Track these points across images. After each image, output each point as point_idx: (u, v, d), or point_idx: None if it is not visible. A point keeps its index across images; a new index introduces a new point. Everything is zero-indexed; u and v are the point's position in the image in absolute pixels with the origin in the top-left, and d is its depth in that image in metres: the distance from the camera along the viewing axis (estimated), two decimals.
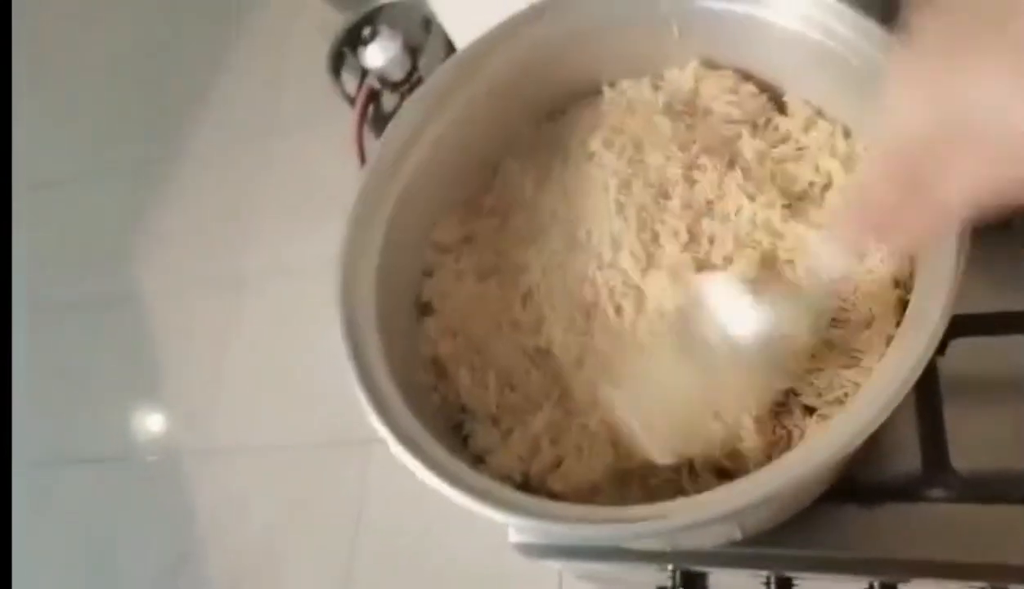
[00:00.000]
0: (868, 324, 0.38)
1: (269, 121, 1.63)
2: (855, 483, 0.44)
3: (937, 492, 0.43)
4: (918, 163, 0.28)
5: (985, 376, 0.46)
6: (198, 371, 1.47)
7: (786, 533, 0.44)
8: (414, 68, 1.01)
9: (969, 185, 0.28)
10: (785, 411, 0.38)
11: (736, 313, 0.36)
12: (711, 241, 0.41)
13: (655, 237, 0.42)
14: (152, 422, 1.50)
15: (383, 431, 0.36)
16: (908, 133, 0.28)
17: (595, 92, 0.48)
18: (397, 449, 0.36)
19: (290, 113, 1.60)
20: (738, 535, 0.44)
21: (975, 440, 0.44)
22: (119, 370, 1.54)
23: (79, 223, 1.73)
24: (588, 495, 0.38)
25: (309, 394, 1.34)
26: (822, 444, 0.33)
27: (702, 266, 0.40)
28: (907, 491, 0.44)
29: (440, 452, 0.36)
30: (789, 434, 0.38)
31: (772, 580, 0.49)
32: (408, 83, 1.01)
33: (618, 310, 0.41)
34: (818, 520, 0.44)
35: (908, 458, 0.44)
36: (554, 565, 0.54)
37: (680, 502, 0.33)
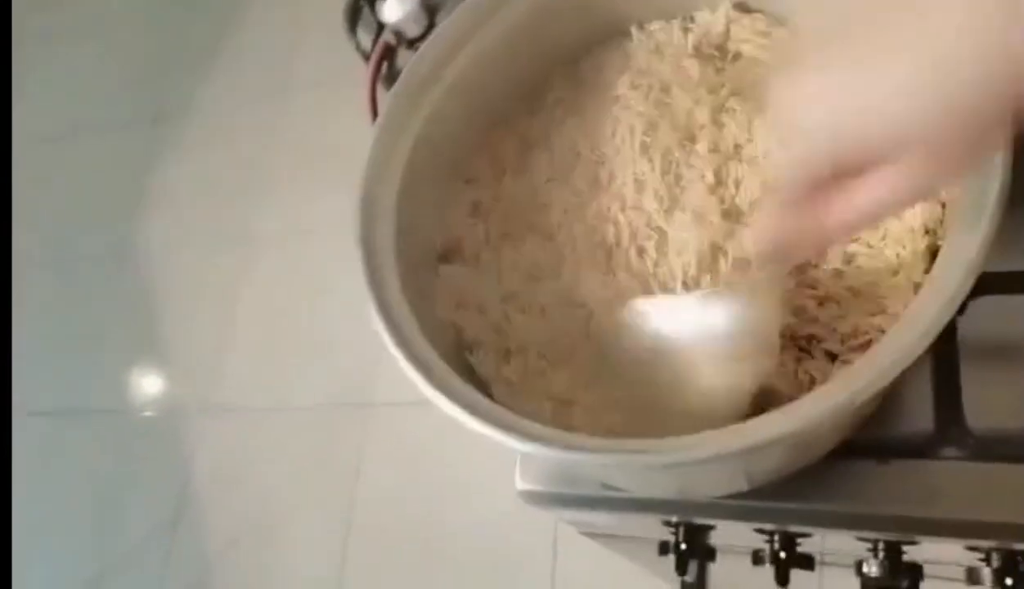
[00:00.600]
0: (895, 271, 0.37)
1: (283, 78, 1.62)
2: (868, 439, 0.44)
3: (950, 450, 0.43)
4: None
5: (1003, 336, 0.45)
6: (204, 329, 1.47)
7: (794, 486, 0.44)
8: (431, 25, 0.99)
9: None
10: (807, 357, 0.38)
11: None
12: (737, 185, 0.40)
13: (679, 180, 0.41)
14: (157, 377, 1.50)
15: (404, 364, 0.36)
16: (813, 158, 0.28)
17: (622, 34, 0.47)
18: (416, 378, 0.35)
19: (305, 70, 1.59)
20: (744, 485, 0.44)
21: (990, 399, 0.43)
22: (126, 324, 1.54)
23: (88, 176, 1.73)
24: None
25: (313, 356, 1.34)
26: (836, 389, 0.33)
27: (728, 210, 0.40)
28: (920, 448, 0.44)
29: (457, 382, 0.36)
30: (812, 380, 0.38)
31: (776, 537, 0.49)
32: (424, 40, 1.00)
33: (640, 252, 0.41)
34: (828, 475, 0.44)
35: (922, 415, 0.44)
36: (562, 515, 0.54)
37: (697, 437, 0.33)
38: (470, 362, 0.42)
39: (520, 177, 0.46)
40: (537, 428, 0.34)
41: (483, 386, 0.42)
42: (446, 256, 0.46)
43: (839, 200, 0.29)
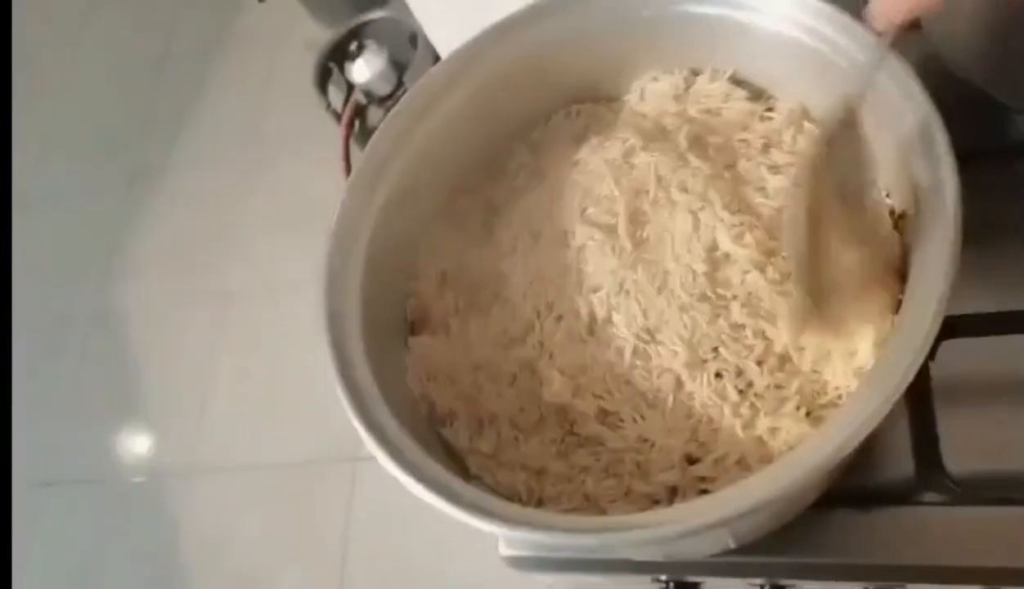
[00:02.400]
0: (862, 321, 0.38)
1: (256, 137, 1.62)
2: (849, 488, 0.44)
3: (931, 495, 0.43)
4: None
5: (976, 377, 0.45)
6: (183, 390, 1.45)
7: (780, 540, 0.44)
8: (400, 83, 1.01)
9: None
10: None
11: None
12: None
13: (644, 242, 0.42)
14: (137, 442, 1.48)
15: (373, 446, 0.36)
16: None
17: (578, 101, 0.48)
18: (387, 463, 0.35)
19: (277, 129, 1.60)
20: (731, 544, 0.44)
21: (968, 442, 0.43)
22: (104, 389, 1.52)
23: (62, 241, 1.72)
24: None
25: (296, 412, 1.32)
26: (815, 449, 0.33)
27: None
28: (901, 495, 0.44)
29: (430, 465, 0.35)
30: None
31: (767, 588, 0.49)
32: (394, 98, 1.01)
33: (607, 318, 0.41)
34: (812, 526, 0.44)
35: (901, 462, 0.44)
36: (545, 579, 0.53)
37: (674, 509, 0.33)
38: (444, 436, 0.42)
39: (485, 246, 0.46)
40: (510, 509, 0.34)
41: (458, 459, 0.42)
42: (415, 327, 0.46)
43: None
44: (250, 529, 1.29)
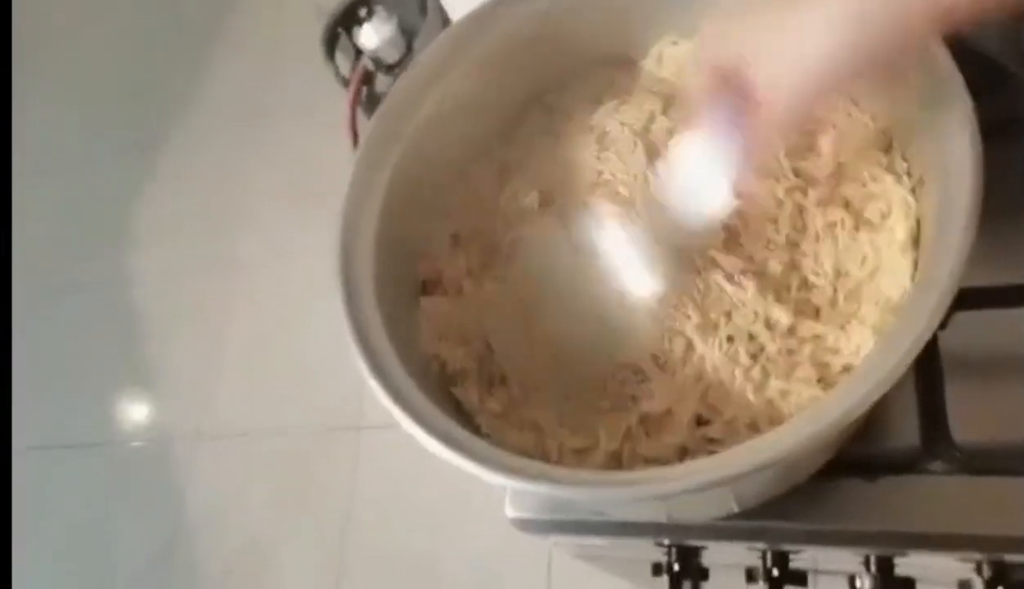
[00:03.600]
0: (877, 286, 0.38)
1: (263, 105, 1.62)
2: (854, 456, 0.44)
3: (937, 465, 0.43)
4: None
5: (985, 349, 0.45)
6: (191, 356, 1.46)
7: (783, 506, 0.44)
8: (409, 50, 1.00)
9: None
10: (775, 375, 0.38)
11: None
12: None
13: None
14: (145, 407, 1.49)
15: (388, 403, 0.36)
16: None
17: (595, 65, 0.48)
18: (402, 419, 0.35)
19: (285, 97, 1.59)
20: (735, 507, 0.44)
21: (975, 413, 0.44)
22: (113, 355, 1.53)
23: (72, 207, 1.72)
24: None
25: (302, 380, 1.33)
26: (823, 412, 0.33)
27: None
28: (907, 464, 0.44)
29: (443, 421, 0.36)
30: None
31: (768, 554, 0.49)
32: (402, 65, 1.00)
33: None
34: (816, 493, 0.44)
35: (908, 431, 0.44)
36: (549, 540, 0.54)
37: (679, 467, 0.33)
38: (455, 396, 0.42)
39: (498, 208, 0.46)
40: (520, 462, 0.34)
41: (469, 419, 0.42)
42: (427, 288, 0.46)
43: None
44: (254, 495, 1.30)
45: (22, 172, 1.79)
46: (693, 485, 0.31)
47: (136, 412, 1.49)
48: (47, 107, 1.88)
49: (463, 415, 0.42)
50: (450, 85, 0.46)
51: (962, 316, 0.41)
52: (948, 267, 0.33)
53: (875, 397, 0.31)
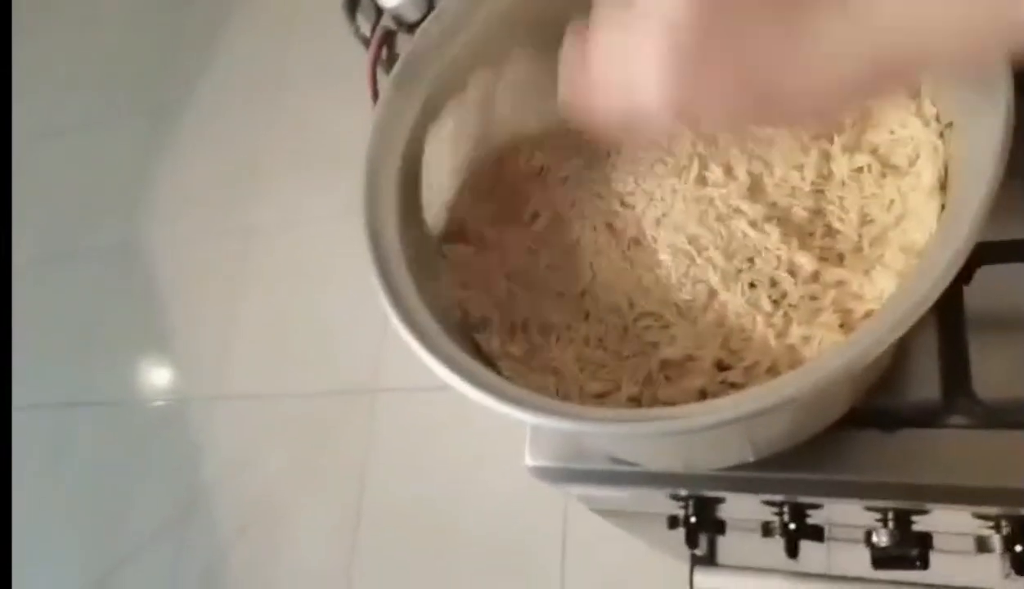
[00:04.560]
0: (904, 229, 0.38)
1: (282, 71, 1.61)
2: (873, 408, 0.44)
3: (958, 418, 0.43)
4: None
5: (1009, 304, 0.45)
6: (208, 320, 1.47)
7: (802, 457, 0.44)
8: (430, 8, 0.99)
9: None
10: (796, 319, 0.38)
11: None
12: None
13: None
14: (163, 368, 1.51)
15: (410, 340, 0.36)
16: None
17: None
18: (422, 352, 0.35)
19: (302, 62, 1.59)
20: (751, 456, 0.44)
21: (997, 368, 0.43)
22: (130, 318, 1.55)
23: (89, 171, 1.73)
24: None
25: (318, 343, 1.34)
26: (840, 352, 0.33)
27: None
28: (928, 417, 0.44)
29: (467, 360, 0.36)
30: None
31: (786, 508, 0.49)
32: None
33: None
34: (835, 445, 0.44)
35: (929, 384, 0.44)
36: (567, 492, 0.54)
37: (698, 405, 0.33)
38: (477, 342, 0.43)
39: (521, 155, 0.46)
40: (543, 400, 0.34)
41: (491, 364, 0.42)
42: (450, 236, 0.46)
43: None
44: (271, 456, 1.32)
45: (34, 135, 1.80)
46: (713, 421, 0.31)
47: (153, 373, 1.51)
48: (61, 69, 1.89)
49: (484, 361, 0.43)
50: (471, 35, 0.46)
51: (985, 271, 0.41)
52: (972, 213, 0.32)
53: (890, 340, 0.31)
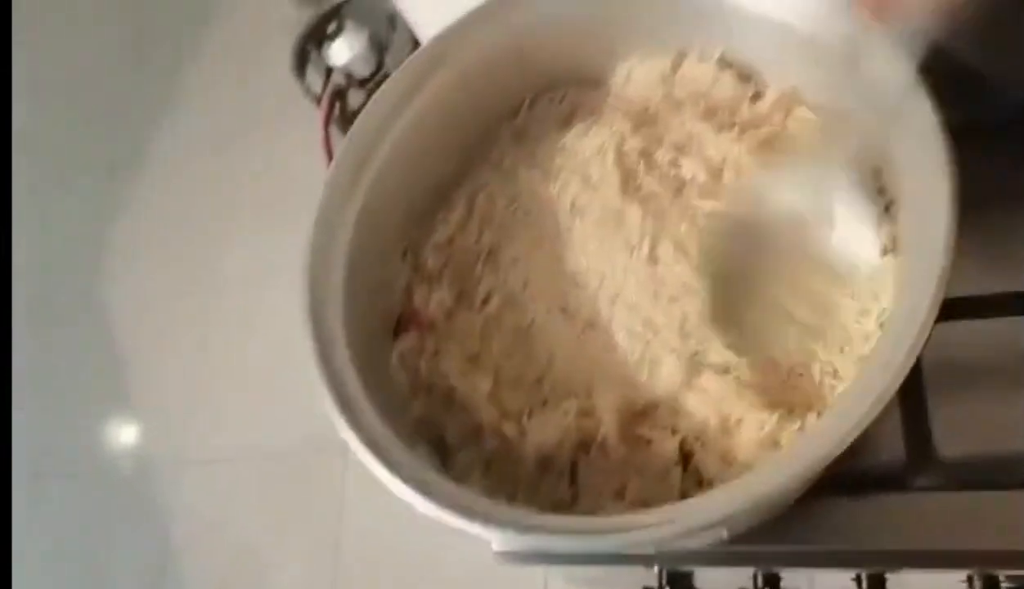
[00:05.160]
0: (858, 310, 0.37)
1: (237, 123, 1.60)
2: (840, 475, 0.43)
3: (922, 480, 0.43)
4: None
5: (966, 360, 0.45)
6: (174, 379, 1.44)
7: (772, 529, 0.43)
8: (380, 64, 0.98)
9: None
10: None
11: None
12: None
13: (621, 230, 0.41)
14: (129, 433, 1.47)
15: (357, 447, 0.35)
16: None
17: (562, 85, 0.47)
18: (374, 466, 0.34)
19: (260, 114, 1.58)
20: (724, 536, 0.44)
21: (960, 426, 0.43)
22: (94, 379, 1.51)
23: (46, 231, 1.70)
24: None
25: (287, 399, 1.31)
26: (815, 442, 0.32)
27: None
28: (893, 481, 0.43)
29: (419, 468, 0.35)
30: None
31: (759, 576, 0.49)
32: (374, 80, 0.99)
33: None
34: (804, 514, 0.44)
35: (892, 447, 0.44)
36: (539, 571, 0.53)
37: (667, 509, 0.32)
38: (438, 433, 0.42)
39: (468, 236, 0.45)
40: (502, 511, 0.33)
41: (449, 455, 0.41)
42: (402, 323, 0.45)
43: None
44: (244, 517, 1.29)
45: None
46: (683, 530, 0.31)
47: (119, 439, 1.48)
48: (20, 126, 1.86)
49: (442, 452, 0.41)
50: (418, 110, 0.45)
51: (940, 328, 0.41)
52: (928, 294, 0.32)
53: (865, 424, 0.31)
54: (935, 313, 0.32)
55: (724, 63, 0.43)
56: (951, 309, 0.40)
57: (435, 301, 0.44)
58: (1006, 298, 0.43)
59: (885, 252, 0.37)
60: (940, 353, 0.41)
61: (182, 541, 1.32)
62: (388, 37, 0.99)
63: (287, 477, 1.28)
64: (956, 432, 0.43)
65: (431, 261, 0.45)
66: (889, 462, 0.44)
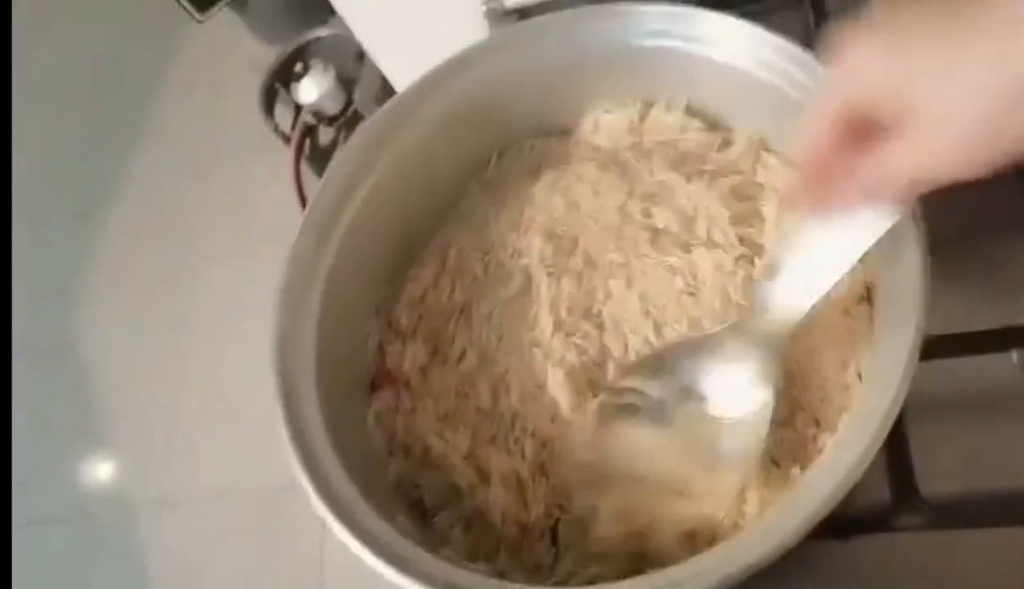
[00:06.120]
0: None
1: (205, 163, 1.59)
2: (828, 517, 0.43)
3: (907, 520, 0.43)
4: (861, 113, 0.28)
5: (948, 397, 0.45)
6: (148, 420, 1.42)
7: (759, 576, 0.43)
8: (349, 101, 0.98)
9: (897, 166, 0.27)
10: None
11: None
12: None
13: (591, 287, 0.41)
14: (104, 477, 1.44)
15: (330, 520, 0.34)
16: (858, 79, 0.28)
17: (530, 136, 0.47)
18: (350, 542, 0.34)
19: (230, 150, 1.56)
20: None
21: (942, 463, 0.43)
22: (64, 424, 1.48)
23: (17, 272, 1.67)
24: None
25: (264, 436, 1.28)
26: (806, 500, 0.32)
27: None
28: (879, 521, 0.43)
29: (397, 540, 0.34)
30: None
31: None
32: (344, 116, 0.98)
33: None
34: (791, 558, 0.43)
35: (876, 488, 0.43)
36: None
37: (657, 575, 0.32)
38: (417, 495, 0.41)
39: (441, 292, 0.44)
40: (480, 583, 0.32)
41: (431, 514, 0.41)
42: (376, 382, 0.44)
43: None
44: (225, 560, 1.26)
45: None
46: None
47: (95, 483, 1.44)
48: None
49: (421, 516, 0.41)
50: (386, 165, 0.44)
51: (922, 365, 0.41)
52: (906, 344, 0.32)
53: (849, 485, 0.32)
54: (914, 367, 0.32)
55: (692, 111, 0.43)
56: (931, 347, 0.40)
57: (409, 358, 0.43)
58: (987, 335, 0.43)
59: (860, 300, 0.37)
60: (920, 389, 0.42)
61: (161, 581, 1.29)
62: (356, 73, 0.99)
63: (267, 513, 1.26)
64: (939, 470, 0.43)
65: (404, 318, 0.44)
66: (875, 502, 0.43)
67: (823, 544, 0.43)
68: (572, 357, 0.39)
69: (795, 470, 0.36)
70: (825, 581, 0.43)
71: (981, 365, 0.43)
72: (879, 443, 0.31)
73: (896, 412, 0.32)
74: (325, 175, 0.45)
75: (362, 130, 0.45)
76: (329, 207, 0.43)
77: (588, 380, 0.39)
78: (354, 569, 1.23)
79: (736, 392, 0.35)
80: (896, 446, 0.43)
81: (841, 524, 0.43)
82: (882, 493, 0.43)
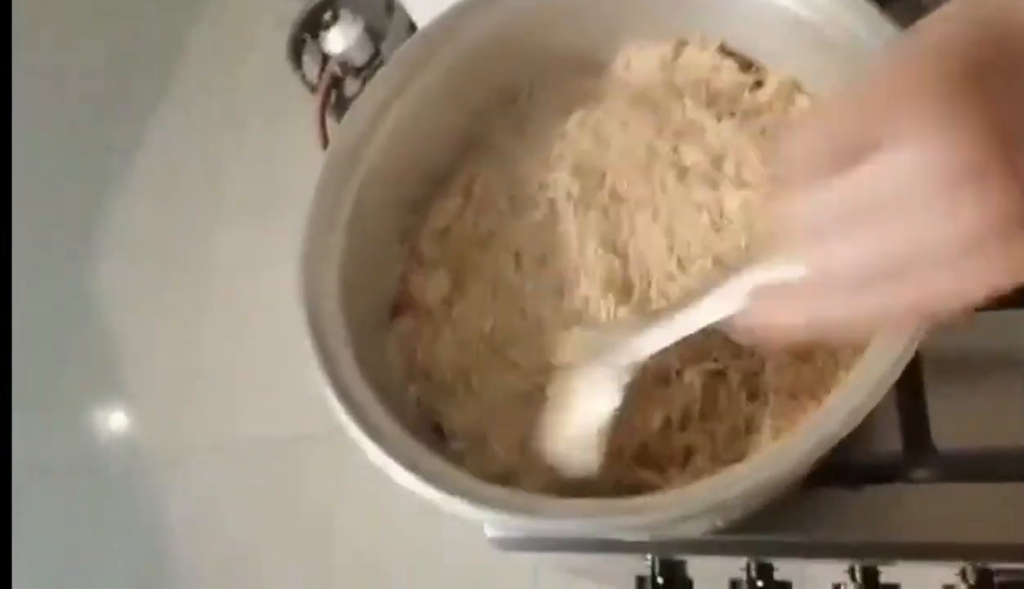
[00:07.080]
0: None
1: (231, 114, 1.59)
2: (836, 465, 0.43)
3: (919, 473, 0.43)
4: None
5: (965, 352, 0.45)
6: (165, 371, 1.43)
7: (768, 519, 0.43)
8: (377, 52, 0.98)
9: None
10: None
11: None
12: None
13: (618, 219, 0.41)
14: (119, 428, 1.46)
15: (354, 431, 0.35)
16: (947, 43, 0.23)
17: (561, 72, 0.47)
18: (372, 450, 0.34)
19: (255, 101, 1.57)
20: (719, 524, 0.44)
21: (957, 418, 0.43)
22: (82, 374, 1.50)
23: (35, 225, 1.68)
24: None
25: (280, 390, 1.31)
26: (806, 435, 0.32)
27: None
28: (889, 472, 0.43)
29: (414, 449, 0.35)
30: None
31: (752, 566, 0.48)
32: (371, 67, 0.98)
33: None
34: (800, 505, 0.44)
35: (890, 439, 0.44)
36: (532, 558, 0.53)
37: (664, 495, 0.32)
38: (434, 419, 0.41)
39: (465, 223, 0.45)
40: (493, 492, 0.33)
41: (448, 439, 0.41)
42: (398, 309, 0.44)
43: None
44: (238, 513, 1.28)
45: None
46: (679, 515, 0.31)
47: (112, 433, 1.47)
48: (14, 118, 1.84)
49: (440, 436, 0.41)
50: (415, 96, 0.45)
51: None
52: None
53: (861, 416, 0.32)
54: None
55: (725, 51, 0.43)
56: None
57: (432, 288, 0.43)
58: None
59: None
60: (937, 344, 0.42)
61: (174, 537, 1.31)
62: (384, 24, 0.99)
63: (281, 467, 1.28)
64: (953, 424, 0.43)
65: (427, 248, 0.44)
66: (887, 453, 0.43)
67: (835, 493, 0.44)
68: (598, 280, 0.39)
69: (812, 404, 0.36)
70: (835, 527, 0.43)
71: (1003, 321, 0.43)
72: (891, 380, 0.31)
73: (912, 352, 0.32)
74: (353, 105, 0.45)
75: (391, 62, 0.45)
76: (355, 139, 0.44)
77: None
78: (367, 517, 1.24)
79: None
80: (911, 398, 0.43)
81: (851, 473, 0.44)
82: (894, 444, 0.43)
